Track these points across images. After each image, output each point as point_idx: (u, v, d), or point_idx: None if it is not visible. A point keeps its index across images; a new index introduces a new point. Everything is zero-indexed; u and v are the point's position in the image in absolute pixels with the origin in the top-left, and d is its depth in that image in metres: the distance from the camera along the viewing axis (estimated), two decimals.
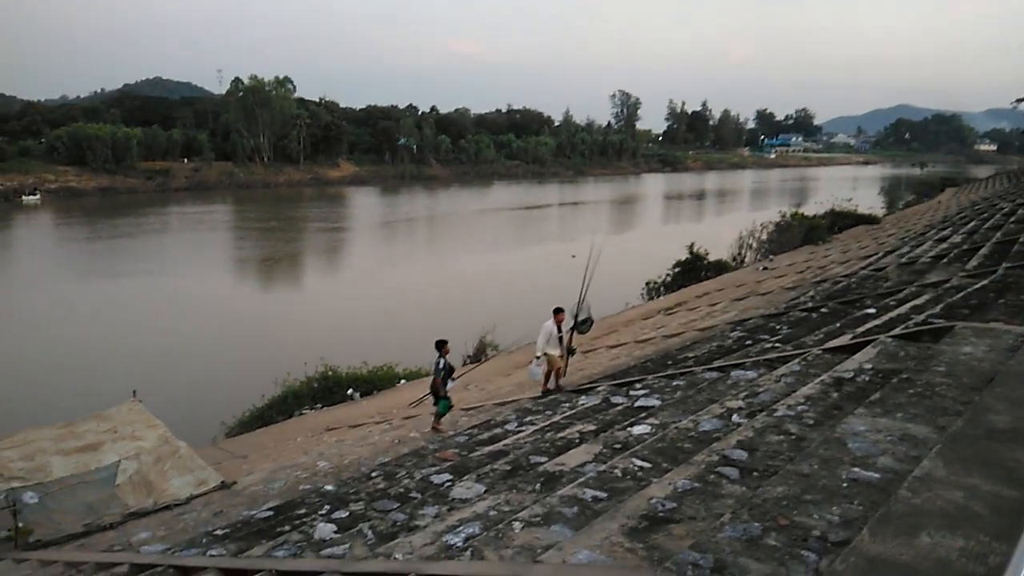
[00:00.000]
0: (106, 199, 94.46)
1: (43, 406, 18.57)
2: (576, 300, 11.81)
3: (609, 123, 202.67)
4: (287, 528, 6.64)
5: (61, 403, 18.64)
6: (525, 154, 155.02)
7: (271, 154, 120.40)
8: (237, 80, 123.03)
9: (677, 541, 3.89)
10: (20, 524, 10.02)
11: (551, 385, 11.79)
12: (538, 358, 11.58)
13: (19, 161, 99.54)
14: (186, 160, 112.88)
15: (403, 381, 20.09)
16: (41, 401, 20.00)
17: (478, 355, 22.94)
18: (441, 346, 11.43)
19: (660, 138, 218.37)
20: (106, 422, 11.82)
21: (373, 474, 8.42)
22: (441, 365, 11.39)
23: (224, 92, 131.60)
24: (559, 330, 11.58)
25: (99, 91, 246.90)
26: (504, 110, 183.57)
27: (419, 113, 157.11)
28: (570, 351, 11.93)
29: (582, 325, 11.84)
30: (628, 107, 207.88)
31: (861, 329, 8.85)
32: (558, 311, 11.72)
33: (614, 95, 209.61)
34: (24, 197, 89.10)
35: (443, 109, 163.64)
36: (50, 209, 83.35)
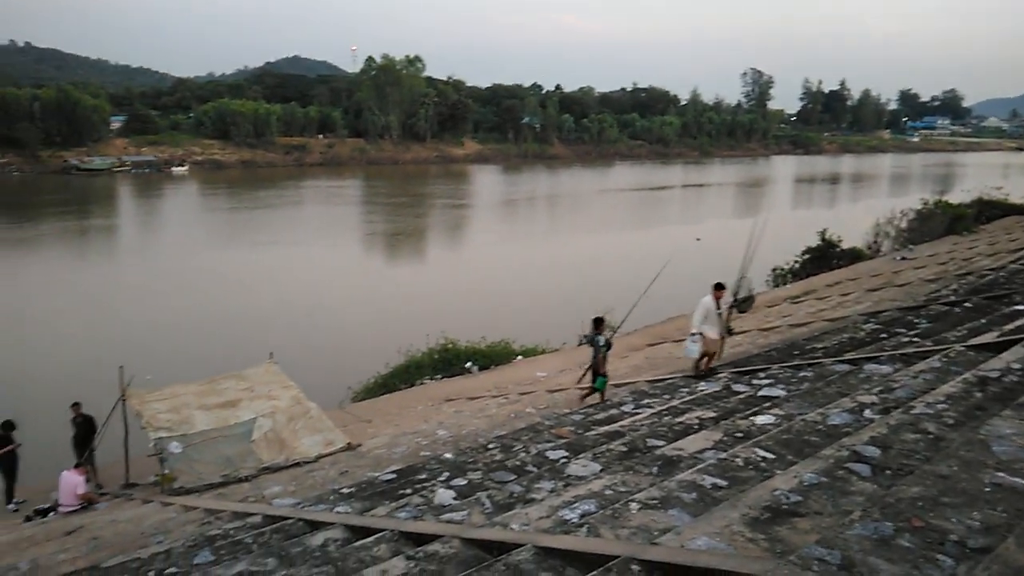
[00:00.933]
0: (247, 172, 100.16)
1: (189, 363, 20.03)
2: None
3: (739, 102, 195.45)
4: (408, 491, 6.89)
5: (205, 361, 20.07)
6: (649, 134, 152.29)
7: (400, 132, 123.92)
8: (370, 59, 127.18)
9: (802, 535, 3.79)
10: (166, 471, 10.94)
11: (703, 367, 11.13)
12: (693, 335, 10.94)
13: (170, 134, 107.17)
14: (321, 136, 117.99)
15: (519, 357, 20.34)
16: (188, 358, 21.54)
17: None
18: (599, 324, 11.26)
19: (793, 118, 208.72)
20: (244, 381, 12.65)
21: (490, 446, 8.60)
22: (602, 342, 11.23)
23: (358, 71, 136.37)
24: (718, 307, 10.94)
25: (243, 68, 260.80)
26: (629, 88, 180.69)
27: (543, 92, 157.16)
28: (728, 331, 11.28)
29: (743, 303, 11.25)
30: (759, 86, 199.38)
31: (1010, 327, 8.23)
32: (719, 287, 11.08)
33: (745, 73, 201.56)
34: (173, 168, 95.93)
35: (567, 88, 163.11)
36: (196, 180, 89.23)
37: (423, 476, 7.58)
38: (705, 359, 11.16)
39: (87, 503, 11.36)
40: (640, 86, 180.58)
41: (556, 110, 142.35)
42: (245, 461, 10.71)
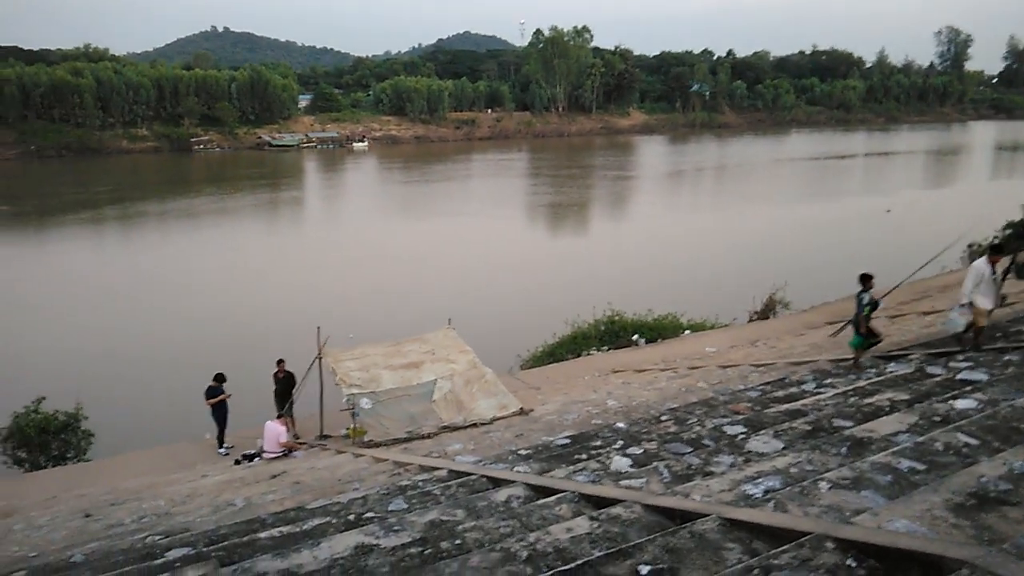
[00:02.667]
0: (420, 146, 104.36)
1: (375, 326, 21.39)
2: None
3: (931, 64, 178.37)
4: (584, 457, 7.07)
5: (388, 324, 21.38)
6: (829, 99, 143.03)
7: (566, 103, 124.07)
8: (538, 32, 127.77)
9: (1014, 525, 3.58)
10: (357, 425, 11.84)
11: (968, 340, 9.85)
12: (963, 306, 9.64)
13: (351, 111, 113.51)
14: (489, 111, 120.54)
15: (687, 332, 20.04)
16: (373, 321, 23.01)
17: (766, 312, 22.12)
18: (866, 280, 10.23)
19: (995, 80, 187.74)
20: (426, 344, 13.39)
21: (663, 417, 8.63)
22: (866, 300, 10.26)
23: (525, 44, 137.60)
24: (994, 272, 9.60)
25: (416, 46, 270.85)
26: (807, 52, 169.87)
27: (714, 58, 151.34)
28: (1002, 300, 9.98)
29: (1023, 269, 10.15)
30: (956, 45, 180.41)
31: None
32: (996, 249, 9.85)
33: (939, 32, 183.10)
34: (354, 144, 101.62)
35: (740, 53, 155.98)
36: (374, 154, 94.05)
37: (597, 443, 7.74)
38: (971, 332, 9.83)
39: (287, 451, 12.52)
40: (820, 48, 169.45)
41: (728, 76, 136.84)
42: (427, 419, 11.39)
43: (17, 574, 6.15)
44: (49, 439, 14.35)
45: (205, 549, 5.60)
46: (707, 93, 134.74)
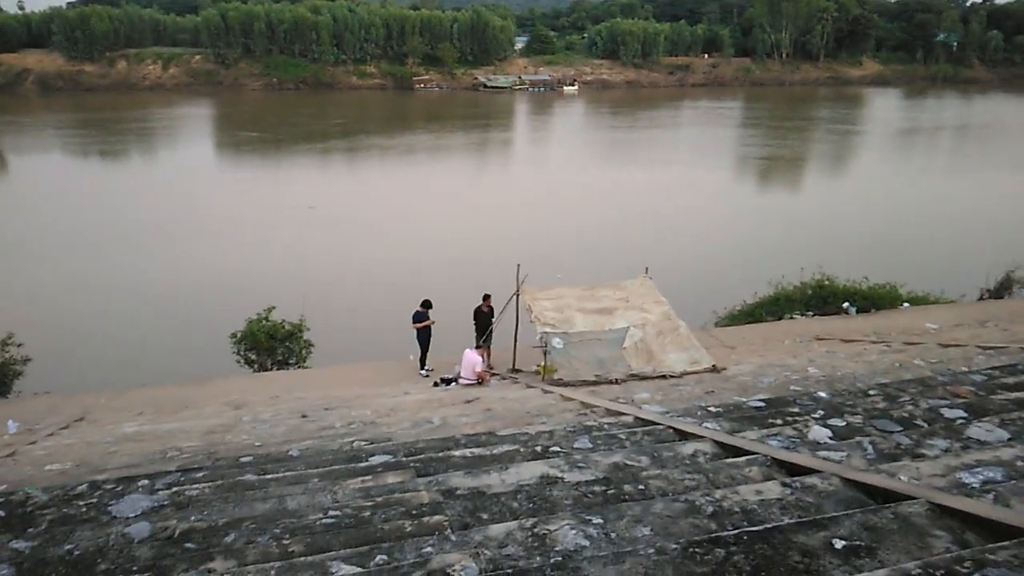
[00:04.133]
0: (630, 92, 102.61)
1: (570, 268, 21.68)
2: None
3: None
4: (779, 422, 6.80)
5: (583, 268, 21.61)
6: None
7: (790, 50, 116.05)
8: None
9: None
10: (548, 363, 12.15)
11: None
12: None
13: (564, 54, 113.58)
14: (705, 56, 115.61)
15: (906, 304, 18.46)
16: (569, 263, 23.30)
17: (1000, 291, 19.82)
18: None
19: None
20: (621, 291, 13.38)
21: (871, 392, 8.06)
22: None
23: None
24: None
25: None
26: None
27: (967, 4, 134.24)
28: None
29: None
30: None
31: None
32: None
33: None
34: (565, 87, 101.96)
35: None
36: (583, 98, 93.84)
37: (795, 410, 7.40)
38: None
39: (480, 380, 13.15)
40: None
41: (981, 26, 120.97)
42: (616, 365, 11.44)
43: (244, 458, 7.00)
44: (275, 345, 16.11)
45: (404, 459, 6.05)
46: (954, 44, 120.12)
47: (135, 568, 3.68)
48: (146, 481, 5.76)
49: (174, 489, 5.45)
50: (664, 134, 64.05)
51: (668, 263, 22.66)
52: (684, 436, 6.53)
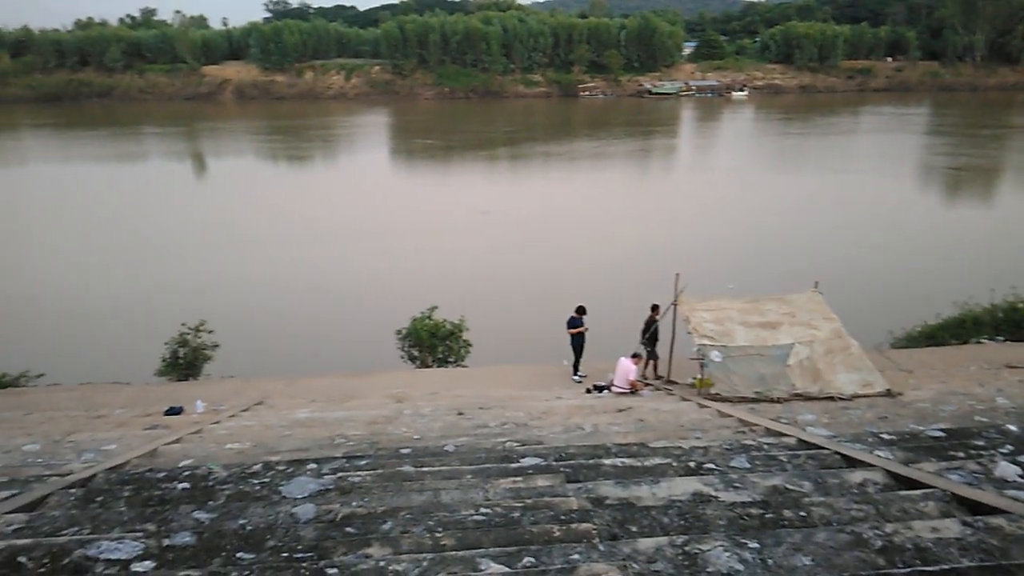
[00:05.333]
0: (804, 97, 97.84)
1: (733, 278, 20.97)
2: None
3: None
4: (961, 455, 6.24)
5: (746, 279, 20.81)
6: None
7: (984, 52, 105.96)
8: None
9: None
10: (705, 376, 11.80)
11: None
12: None
13: (734, 59, 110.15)
14: (889, 59, 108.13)
15: None
16: (730, 273, 22.54)
17: None
18: None
19: None
20: (787, 306, 12.75)
21: None
22: None
23: None
24: None
25: None
26: None
27: None
28: None
29: None
30: None
31: None
32: None
33: None
34: (734, 93, 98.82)
35: None
36: (753, 104, 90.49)
37: (979, 443, 6.75)
38: None
39: (633, 389, 12.97)
40: None
41: None
42: (778, 383, 10.91)
43: (404, 449, 7.30)
44: (437, 343, 16.72)
45: (555, 463, 6.08)
46: None
47: (299, 547, 3.92)
48: (314, 465, 6.14)
49: (339, 475, 5.77)
50: (842, 140, 60.49)
51: (841, 277, 21.38)
52: (852, 463, 6.14)
